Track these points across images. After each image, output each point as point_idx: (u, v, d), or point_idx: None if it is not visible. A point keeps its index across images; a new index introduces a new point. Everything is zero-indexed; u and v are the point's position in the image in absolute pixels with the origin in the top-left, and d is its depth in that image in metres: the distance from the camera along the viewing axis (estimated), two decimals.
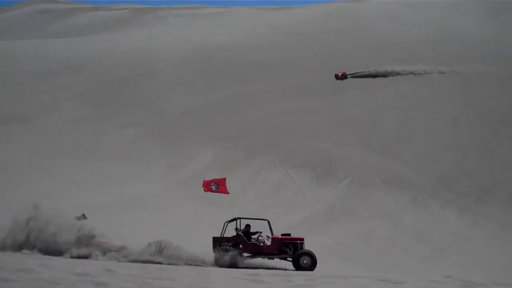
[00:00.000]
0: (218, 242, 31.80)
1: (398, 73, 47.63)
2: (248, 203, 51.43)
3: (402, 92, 66.51)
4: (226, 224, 32.54)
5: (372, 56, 69.52)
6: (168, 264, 29.84)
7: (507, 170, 57.05)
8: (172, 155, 61.66)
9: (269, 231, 32.29)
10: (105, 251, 30.98)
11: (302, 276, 26.41)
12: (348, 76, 47.71)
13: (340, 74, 47.72)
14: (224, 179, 34.10)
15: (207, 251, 31.69)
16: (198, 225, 46.77)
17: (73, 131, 67.82)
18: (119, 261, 29.65)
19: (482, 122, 63.28)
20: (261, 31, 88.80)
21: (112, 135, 66.89)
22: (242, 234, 31.98)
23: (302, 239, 32.32)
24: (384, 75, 47.92)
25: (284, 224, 42.65)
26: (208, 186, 33.57)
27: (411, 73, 49.05)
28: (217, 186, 33.45)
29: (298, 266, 31.18)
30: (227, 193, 33.67)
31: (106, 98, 74.91)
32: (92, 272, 22.92)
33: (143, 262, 29.68)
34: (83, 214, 40.14)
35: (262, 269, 29.50)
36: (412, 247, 47.68)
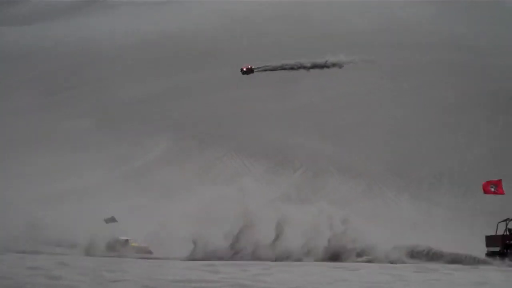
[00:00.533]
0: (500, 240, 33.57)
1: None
2: (204, 194, 51.10)
3: (355, 80, 67.07)
4: (498, 224, 34.42)
5: (316, 44, 69.71)
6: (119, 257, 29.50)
7: (458, 157, 58.23)
8: (123, 146, 60.78)
9: None
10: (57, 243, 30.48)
11: (258, 265, 26.37)
12: (255, 70, 46.26)
13: (245, 68, 45.56)
14: (500, 180, 35.81)
15: (158, 243, 31.38)
16: (151, 216, 46.21)
17: (21, 121, 66.16)
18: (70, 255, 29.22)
19: (434, 110, 64.33)
20: (211, 19, 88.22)
21: (62, 125, 65.52)
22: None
23: None
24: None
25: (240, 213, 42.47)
26: (487, 188, 35.48)
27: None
28: (495, 187, 34.47)
29: None
30: (503, 193, 35.23)
31: (56, 88, 73.32)
32: (45, 266, 22.50)
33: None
34: (113, 217, 39.57)
35: (217, 260, 29.39)
36: (367, 233, 48.16)
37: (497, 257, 34.62)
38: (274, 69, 45.41)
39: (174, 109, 66.67)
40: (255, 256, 31.78)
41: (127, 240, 36.52)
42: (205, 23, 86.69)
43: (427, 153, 59.16)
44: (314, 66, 45.73)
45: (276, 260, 31.42)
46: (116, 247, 34.07)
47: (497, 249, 35.10)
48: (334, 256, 34.67)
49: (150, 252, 36.00)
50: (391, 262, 33.36)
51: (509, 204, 53.01)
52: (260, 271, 24.42)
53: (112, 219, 38.92)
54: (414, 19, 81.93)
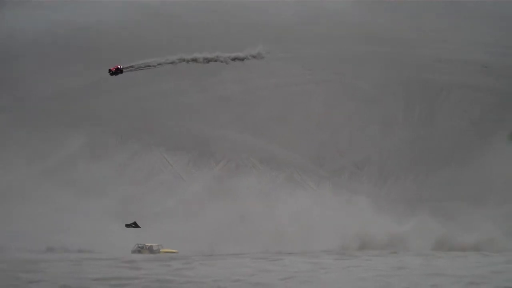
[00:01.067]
0: None
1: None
2: (123, 189, 50.45)
3: (276, 72, 67.63)
4: None
5: (243, 36, 70.00)
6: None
7: (377, 147, 59.80)
8: (38, 142, 59.06)
9: None
10: None
11: (180, 260, 26.33)
12: (124, 70, 45.69)
13: (114, 68, 44.78)
14: None
15: (87, 240, 30.86)
16: (73, 214, 45.27)
17: None
18: None
19: (354, 101, 65.66)
20: (129, 12, 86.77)
21: None
22: None
23: None
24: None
25: (161, 207, 42.28)
26: None
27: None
28: None
29: None
30: None
31: None
32: None
33: None
34: (135, 222, 38.29)
35: (137, 255, 29.15)
36: (290, 224, 48.82)
37: None
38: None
39: (93, 104, 65.27)
40: None
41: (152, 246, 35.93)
42: (124, 16, 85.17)
43: (347, 143, 60.45)
44: (211, 60, 45.59)
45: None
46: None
47: None
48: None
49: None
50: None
51: (425, 191, 55.12)
52: (182, 266, 24.38)
53: (134, 225, 38.23)
54: (337, 12, 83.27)
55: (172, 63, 43.89)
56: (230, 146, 58.35)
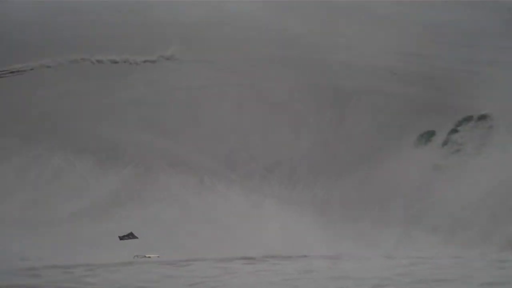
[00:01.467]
0: None
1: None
2: (26, 194, 48.54)
3: (187, 75, 67.12)
4: None
5: (151, 37, 69.08)
6: None
7: (287, 151, 60.36)
8: None
9: None
10: None
11: (82, 267, 25.48)
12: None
13: None
14: None
15: None
16: None
17: None
18: None
19: (265, 105, 66.01)
20: (39, 7, 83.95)
21: None
22: None
23: None
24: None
25: (67, 212, 40.97)
26: None
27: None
28: None
29: None
30: None
31: None
32: None
33: None
34: (131, 233, 35.94)
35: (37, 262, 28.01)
36: (199, 229, 48.52)
37: None
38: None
39: None
40: None
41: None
42: (33, 11, 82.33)
43: (258, 146, 60.69)
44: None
45: None
46: None
47: None
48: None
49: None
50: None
51: (334, 194, 55.96)
52: (85, 273, 23.56)
53: (129, 236, 36.44)
54: (248, 14, 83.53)
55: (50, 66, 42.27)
56: (139, 149, 57.31)
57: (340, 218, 52.29)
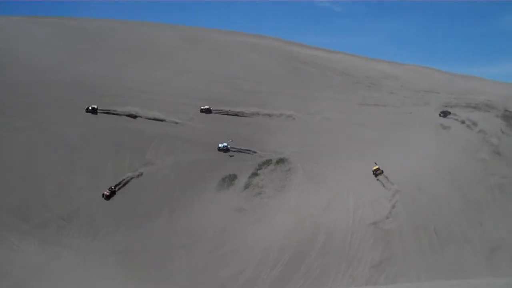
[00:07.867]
0: None
1: None
2: None
3: None
4: None
5: None
6: None
7: (85, 198, 60.69)
8: None
9: None
10: None
11: None
12: None
13: None
14: None
15: None
16: None
17: None
18: None
19: (57, 150, 65.89)
20: None
21: None
22: None
23: None
24: None
25: None
26: None
27: None
28: None
29: None
30: None
31: None
32: None
33: None
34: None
35: None
36: None
37: None
38: None
39: None
40: None
41: None
42: None
43: (54, 194, 60.46)
44: None
45: None
46: None
47: None
48: None
49: None
50: None
51: (136, 242, 57.24)
52: None
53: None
54: (45, 58, 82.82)
55: None
56: None
57: (138, 267, 53.42)
